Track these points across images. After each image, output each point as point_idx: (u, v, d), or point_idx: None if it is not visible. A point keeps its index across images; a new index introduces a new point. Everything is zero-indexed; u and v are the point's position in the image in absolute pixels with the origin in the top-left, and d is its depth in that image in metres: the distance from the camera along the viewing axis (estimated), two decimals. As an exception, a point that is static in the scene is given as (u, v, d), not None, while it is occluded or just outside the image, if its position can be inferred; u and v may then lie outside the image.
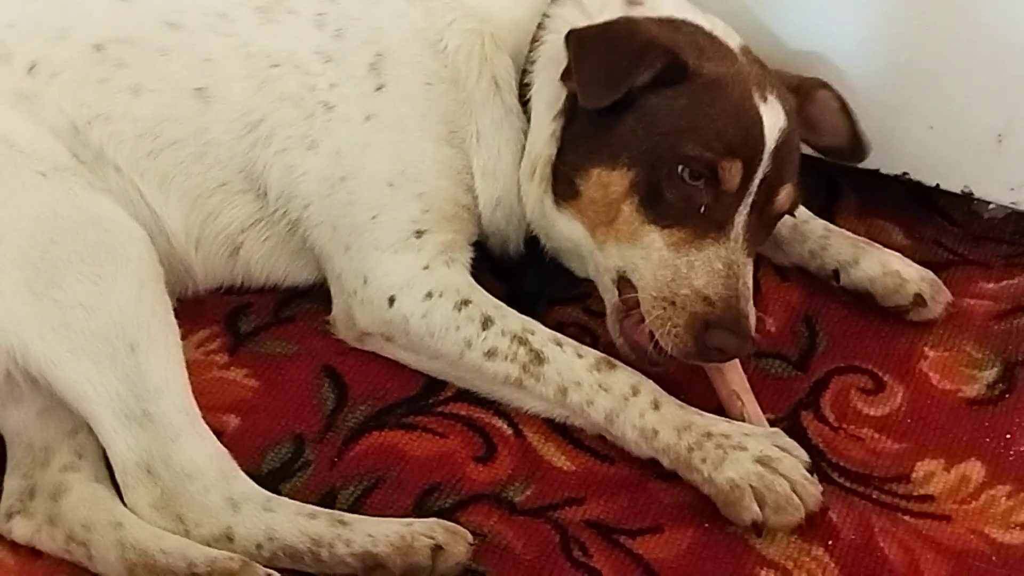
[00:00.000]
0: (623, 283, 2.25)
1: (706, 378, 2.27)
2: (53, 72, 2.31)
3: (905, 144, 2.64)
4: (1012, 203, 2.66)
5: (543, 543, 2.11)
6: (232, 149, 2.38)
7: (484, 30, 2.36)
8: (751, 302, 2.18)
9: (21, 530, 2.10)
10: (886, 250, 2.53)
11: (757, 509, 2.07)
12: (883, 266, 2.49)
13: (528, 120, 2.35)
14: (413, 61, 2.36)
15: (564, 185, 2.30)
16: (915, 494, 2.21)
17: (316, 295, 2.49)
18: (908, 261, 2.51)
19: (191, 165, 2.37)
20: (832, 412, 2.34)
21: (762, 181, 2.19)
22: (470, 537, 2.05)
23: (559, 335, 2.27)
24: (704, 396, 2.26)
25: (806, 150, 2.39)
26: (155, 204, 2.37)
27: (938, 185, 2.68)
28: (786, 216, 2.36)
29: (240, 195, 2.41)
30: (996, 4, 2.47)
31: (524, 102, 2.36)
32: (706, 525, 2.13)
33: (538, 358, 2.24)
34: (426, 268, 2.31)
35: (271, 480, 2.16)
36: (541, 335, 2.26)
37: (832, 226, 2.58)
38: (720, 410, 2.23)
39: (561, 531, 2.12)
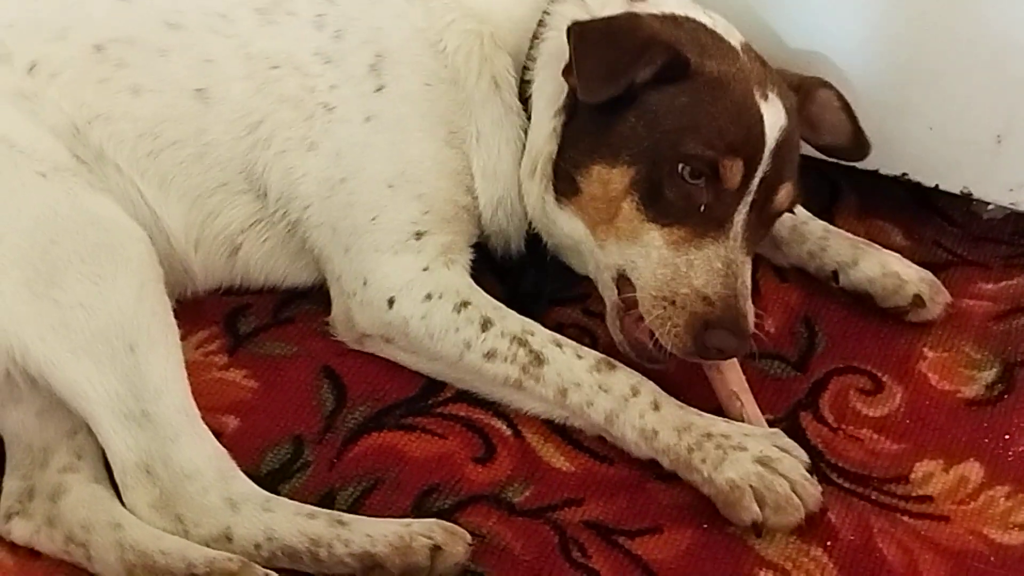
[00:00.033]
0: (622, 282, 2.25)
1: (705, 378, 2.27)
2: (53, 72, 2.32)
3: (905, 145, 2.64)
4: (1011, 204, 2.66)
5: (542, 544, 2.11)
6: (232, 150, 2.38)
7: (483, 30, 2.36)
8: (749, 300, 2.18)
9: (20, 531, 2.10)
10: (885, 251, 2.53)
11: (757, 509, 2.07)
12: (882, 267, 2.49)
13: (528, 118, 2.35)
14: (413, 61, 2.36)
15: (565, 182, 2.30)
16: (914, 495, 2.21)
17: (316, 296, 2.49)
18: (907, 262, 2.51)
19: (191, 165, 2.37)
20: (831, 413, 2.34)
21: (762, 180, 2.19)
22: (469, 537, 2.05)
23: (559, 336, 2.27)
24: (704, 397, 2.26)
25: (806, 150, 2.39)
26: (155, 204, 2.37)
27: (937, 186, 2.68)
28: (785, 217, 2.37)
29: (240, 196, 2.41)
30: (996, 4, 2.47)
31: (525, 100, 2.36)
32: (705, 526, 2.13)
33: (538, 359, 2.24)
34: (426, 270, 2.31)
35: (270, 481, 2.16)
36: (540, 336, 2.26)
37: (831, 227, 2.58)
38: (719, 411, 2.23)
39: (560, 532, 2.12)
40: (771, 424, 2.25)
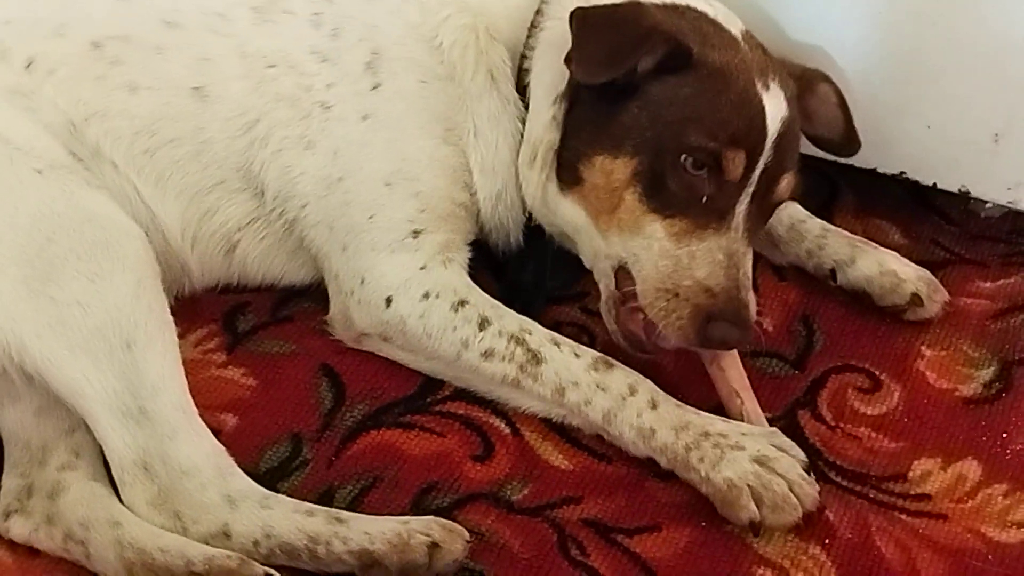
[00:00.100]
0: (621, 273, 2.25)
1: (705, 377, 2.27)
2: (50, 69, 2.31)
3: (903, 143, 2.64)
4: (1009, 202, 2.66)
5: (540, 542, 2.10)
6: (229, 148, 2.37)
7: (479, 24, 2.36)
8: (751, 291, 2.19)
9: (19, 529, 2.10)
10: (883, 249, 2.53)
11: (754, 508, 2.07)
12: (880, 265, 2.49)
13: (526, 107, 2.35)
14: (409, 58, 2.36)
15: (567, 171, 2.30)
16: (912, 493, 2.21)
17: (314, 294, 2.49)
18: (905, 260, 2.51)
19: (188, 163, 2.37)
20: (829, 411, 2.34)
21: (764, 170, 2.19)
22: (467, 535, 2.05)
23: (556, 335, 2.27)
24: (702, 395, 2.26)
25: (805, 149, 2.39)
26: (151, 201, 2.37)
27: (935, 184, 2.68)
28: (783, 215, 2.37)
29: (237, 194, 2.41)
30: (996, 3, 2.48)
31: (522, 89, 2.36)
32: (703, 524, 2.13)
33: (535, 358, 2.23)
34: (423, 268, 2.31)
35: (269, 479, 2.16)
36: (538, 335, 2.26)
37: (829, 225, 2.58)
38: (718, 410, 2.23)
39: (559, 530, 2.12)
40: (769, 422, 2.25)
